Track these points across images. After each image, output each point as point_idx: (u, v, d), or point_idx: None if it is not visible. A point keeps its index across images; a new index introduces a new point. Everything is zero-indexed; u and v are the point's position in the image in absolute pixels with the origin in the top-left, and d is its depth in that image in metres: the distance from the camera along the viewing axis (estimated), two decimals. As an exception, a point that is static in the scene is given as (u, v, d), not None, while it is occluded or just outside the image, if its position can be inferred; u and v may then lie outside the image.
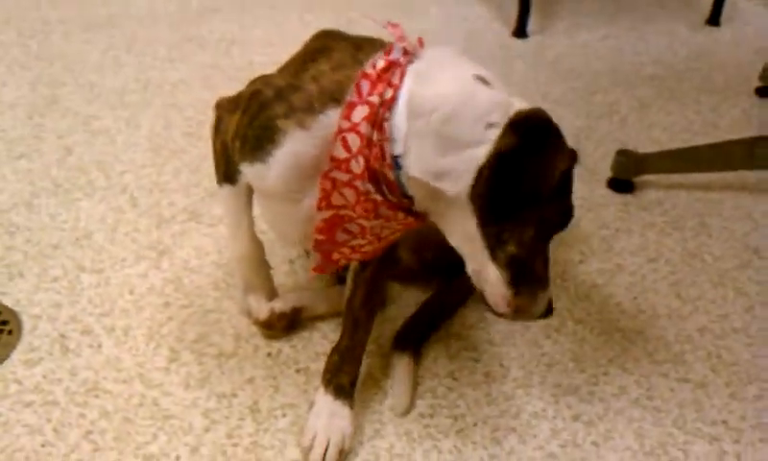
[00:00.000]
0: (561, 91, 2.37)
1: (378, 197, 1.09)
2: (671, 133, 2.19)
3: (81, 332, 1.42)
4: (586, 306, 1.56)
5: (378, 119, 1.05)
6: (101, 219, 1.69)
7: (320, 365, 1.38)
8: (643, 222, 1.83)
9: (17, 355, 1.37)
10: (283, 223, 1.27)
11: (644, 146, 2.05)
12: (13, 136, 1.97)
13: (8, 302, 1.47)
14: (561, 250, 1.71)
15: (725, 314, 1.57)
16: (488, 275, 1.08)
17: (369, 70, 1.07)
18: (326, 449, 1.23)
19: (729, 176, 2.00)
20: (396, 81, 1.06)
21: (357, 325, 1.32)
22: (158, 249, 1.62)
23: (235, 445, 1.24)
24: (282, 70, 1.22)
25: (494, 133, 1.03)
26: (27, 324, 1.43)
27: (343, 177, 1.08)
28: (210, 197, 1.78)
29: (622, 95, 2.37)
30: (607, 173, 1.96)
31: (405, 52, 1.09)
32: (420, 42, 1.13)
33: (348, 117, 1.06)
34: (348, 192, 1.09)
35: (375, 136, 1.05)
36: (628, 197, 1.91)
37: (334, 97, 1.08)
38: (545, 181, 1.05)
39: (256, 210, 1.33)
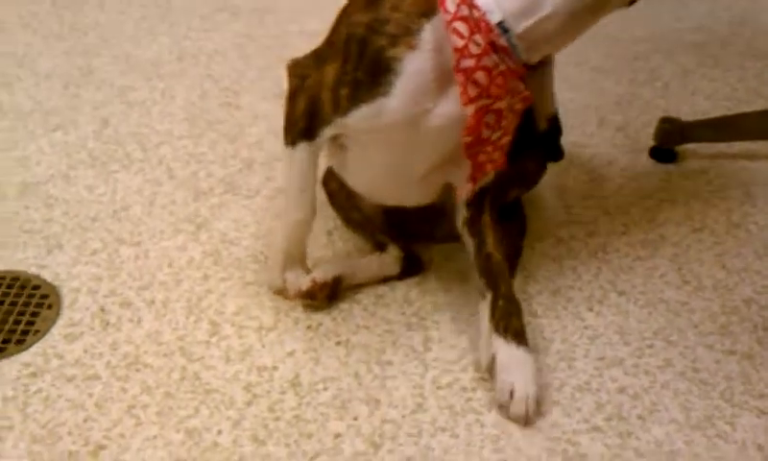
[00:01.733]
0: (601, 58, 2.32)
1: (504, 66, 1.16)
2: (714, 100, 2.14)
3: (120, 306, 1.42)
4: (629, 278, 1.54)
5: (468, 0, 1.14)
6: (138, 191, 1.69)
7: (361, 338, 1.37)
8: (687, 192, 1.79)
9: (58, 330, 1.37)
10: (404, 158, 1.30)
11: (687, 114, 2.00)
12: (49, 108, 1.97)
13: (47, 275, 1.48)
14: (603, 221, 1.68)
15: (772, 285, 1.54)
16: None
17: None
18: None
19: (773, 143, 1.95)
20: None
21: (505, 266, 1.36)
22: (196, 221, 1.62)
23: (277, 418, 1.24)
24: (343, 17, 1.28)
25: None
26: (67, 298, 1.44)
27: (470, 63, 1.15)
28: (248, 168, 1.77)
29: (664, 62, 2.31)
30: (649, 142, 1.92)
31: None
32: None
33: (446, 10, 1.14)
34: (480, 75, 1.16)
35: (475, 13, 1.14)
36: (670, 166, 1.87)
37: (421, 13, 1.17)
38: None
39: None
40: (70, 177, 1.72)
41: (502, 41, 1.16)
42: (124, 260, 1.52)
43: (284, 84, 1.32)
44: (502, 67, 1.16)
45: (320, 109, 1.26)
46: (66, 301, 1.43)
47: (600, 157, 1.88)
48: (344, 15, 1.28)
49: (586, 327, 1.43)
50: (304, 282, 1.41)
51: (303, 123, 1.29)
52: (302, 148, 1.31)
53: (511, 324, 1.30)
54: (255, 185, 1.71)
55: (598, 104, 2.09)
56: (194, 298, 1.44)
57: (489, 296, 1.34)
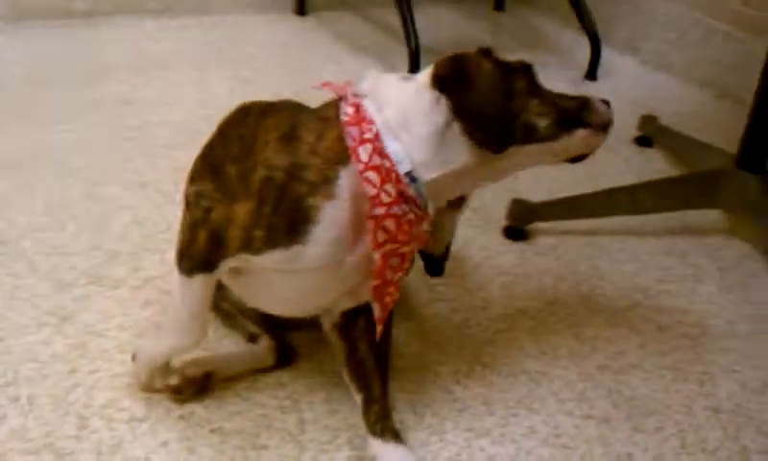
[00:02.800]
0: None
1: (412, 215, 1.19)
2: (560, 182, 2.28)
3: (-17, 404, 1.38)
4: (492, 351, 1.61)
5: (379, 149, 1.16)
6: (-2, 286, 1.64)
7: (234, 424, 1.37)
8: (539, 268, 1.90)
9: None
10: (310, 295, 1.32)
11: (536, 195, 2.13)
12: None
13: None
14: (464, 297, 1.76)
15: (621, 351, 1.64)
16: (569, 142, 1.31)
17: (346, 119, 1.18)
18: None
19: (614, 221, 2.10)
20: (367, 116, 1.19)
21: (380, 368, 1.40)
22: (61, 314, 1.58)
23: (153, 510, 1.22)
24: (245, 151, 1.25)
25: (442, 100, 1.20)
26: (-76, 398, 1.38)
27: (380, 211, 1.16)
28: (112, 259, 1.75)
29: (511, 147, 2.45)
30: (502, 222, 2.03)
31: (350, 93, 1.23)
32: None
33: (358, 160, 1.15)
34: (389, 222, 1.17)
35: (386, 164, 1.16)
36: (524, 244, 1.99)
37: (338, 160, 1.17)
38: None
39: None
40: (-77, 274, 1.66)
41: (410, 191, 1.18)
42: (-15, 357, 1.47)
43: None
44: (410, 216, 1.19)
45: (225, 244, 1.22)
46: (-77, 402, 1.37)
47: (458, 238, 1.97)
48: (245, 140, 1.26)
49: (454, 400, 1.48)
50: (173, 378, 1.40)
51: (203, 256, 1.24)
52: (200, 279, 1.26)
53: (387, 424, 1.34)
54: (121, 276, 1.70)
55: (454, 187, 2.19)
56: (61, 392, 1.41)
57: (359, 398, 1.38)
